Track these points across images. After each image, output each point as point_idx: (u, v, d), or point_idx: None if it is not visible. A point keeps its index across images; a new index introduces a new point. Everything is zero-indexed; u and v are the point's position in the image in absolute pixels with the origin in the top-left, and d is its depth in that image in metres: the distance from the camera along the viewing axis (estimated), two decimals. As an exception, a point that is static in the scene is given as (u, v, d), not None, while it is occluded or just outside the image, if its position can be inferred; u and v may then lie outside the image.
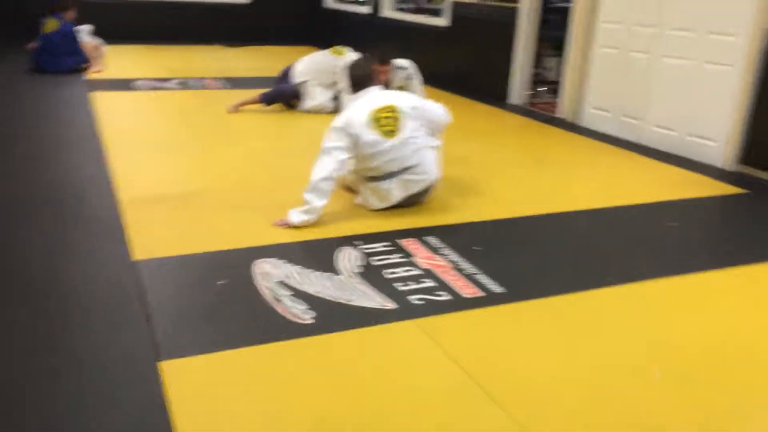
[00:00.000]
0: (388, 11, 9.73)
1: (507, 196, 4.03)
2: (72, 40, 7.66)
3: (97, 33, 8.55)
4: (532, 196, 4.05)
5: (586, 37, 5.95)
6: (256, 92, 6.37)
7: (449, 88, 7.57)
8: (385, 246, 3.20)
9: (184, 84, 7.40)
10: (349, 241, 3.24)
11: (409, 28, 9.15)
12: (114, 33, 10.47)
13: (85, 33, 8.07)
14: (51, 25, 7.62)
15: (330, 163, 3.44)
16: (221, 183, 4.09)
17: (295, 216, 3.38)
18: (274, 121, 5.87)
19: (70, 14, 7.87)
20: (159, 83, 7.35)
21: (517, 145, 5.41)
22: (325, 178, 3.42)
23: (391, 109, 3.58)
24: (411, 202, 3.71)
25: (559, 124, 6.13)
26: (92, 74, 7.66)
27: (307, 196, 3.40)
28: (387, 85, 4.58)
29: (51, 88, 6.81)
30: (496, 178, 4.37)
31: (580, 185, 4.35)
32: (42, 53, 7.52)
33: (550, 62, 8.18)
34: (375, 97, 3.66)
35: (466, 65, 7.80)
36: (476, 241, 3.32)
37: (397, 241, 3.26)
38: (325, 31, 11.66)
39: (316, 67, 6.15)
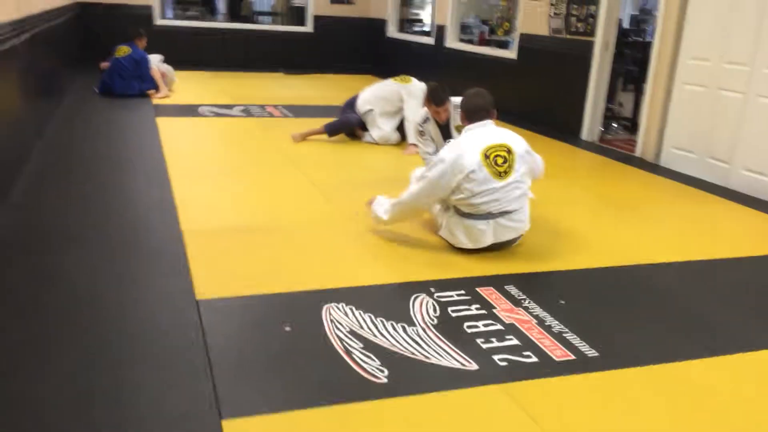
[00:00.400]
0: (452, 42, 9.58)
1: (590, 243, 3.74)
2: (142, 65, 7.74)
3: (166, 59, 8.63)
4: (618, 244, 3.75)
5: (669, 73, 5.63)
6: (321, 121, 6.26)
7: (517, 122, 7.28)
8: (463, 295, 2.96)
9: (248, 111, 7.36)
10: (424, 287, 3.01)
11: (475, 60, 8.96)
12: (181, 59, 10.61)
13: (155, 60, 8.17)
14: (123, 51, 7.73)
15: (426, 197, 3.46)
16: (287, 217, 3.93)
17: (378, 209, 3.60)
18: (339, 152, 5.73)
19: (141, 42, 7.99)
20: (223, 110, 7.32)
21: (595, 185, 5.10)
22: (413, 208, 3.55)
23: (506, 149, 3.37)
24: (492, 248, 3.47)
25: (637, 164, 5.80)
26: (158, 99, 7.71)
27: (394, 207, 3.54)
28: (447, 126, 4.37)
29: (119, 111, 6.85)
30: (577, 222, 4.08)
31: (669, 233, 4.01)
32: (112, 76, 7.63)
33: (624, 97, 7.86)
34: (490, 133, 3.44)
35: (536, 99, 7.55)
36: (561, 293, 3.04)
37: (476, 289, 3.01)
38: (388, 61, 11.59)
39: (381, 95, 6.01)
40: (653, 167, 5.71)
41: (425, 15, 12.42)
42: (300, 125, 6.47)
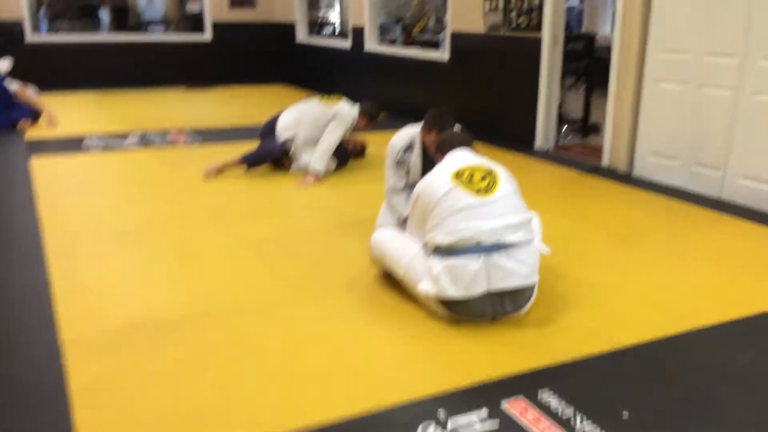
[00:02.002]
0: (371, 45, 8.69)
1: (615, 302, 2.90)
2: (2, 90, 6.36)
3: (42, 81, 7.25)
4: (650, 300, 2.91)
5: (637, 70, 4.94)
6: (236, 148, 5.23)
7: (460, 132, 6.50)
8: (487, 417, 2.04)
9: (145, 140, 6.18)
10: (430, 409, 2.07)
11: (401, 64, 8.11)
12: (61, 80, 9.26)
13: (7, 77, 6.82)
14: None
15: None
16: (213, 300, 2.88)
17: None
18: (265, 190, 4.68)
19: None
20: (114, 141, 6.11)
21: (577, 209, 4.30)
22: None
23: (486, 170, 2.74)
24: (496, 312, 2.60)
25: (609, 175, 5.07)
26: (38, 128, 6.43)
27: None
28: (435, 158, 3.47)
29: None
30: (583, 266, 3.25)
31: (706, 273, 3.21)
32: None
33: (571, 98, 7.22)
34: (466, 157, 2.84)
35: (476, 105, 6.75)
36: (616, 397, 2.18)
37: (503, 405, 2.11)
38: (299, 69, 10.58)
39: (306, 119, 5.00)
40: (628, 179, 4.99)
41: (335, 17, 11.49)
42: (210, 154, 5.40)
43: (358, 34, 8.82)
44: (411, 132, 3.43)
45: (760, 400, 2.18)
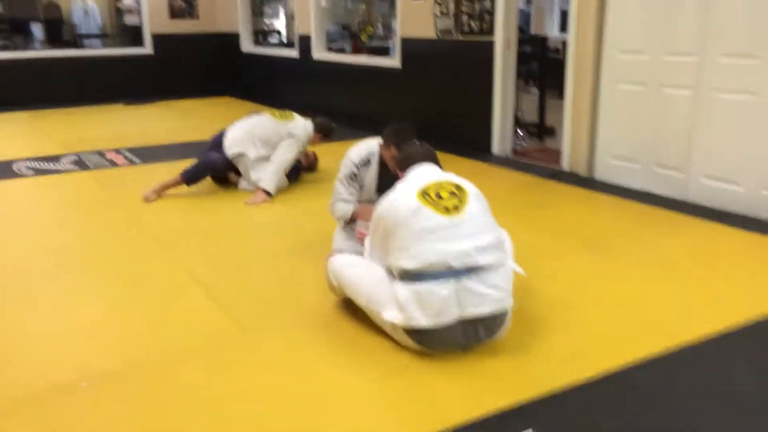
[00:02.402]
0: (320, 53, 8.44)
1: (594, 321, 2.69)
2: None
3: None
4: (630, 316, 2.72)
5: (594, 72, 4.81)
6: (179, 166, 4.89)
7: (414, 140, 6.28)
8: (467, 471, 1.81)
9: (81, 162, 5.78)
10: (402, 467, 1.84)
11: (351, 72, 7.88)
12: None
13: None
14: None
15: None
16: (153, 346, 2.56)
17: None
18: (211, 211, 4.36)
19: None
20: (48, 164, 5.71)
21: (543, 219, 4.09)
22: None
23: (454, 185, 2.52)
24: (469, 340, 2.37)
25: (570, 180, 4.92)
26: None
27: None
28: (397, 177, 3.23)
29: None
30: (556, 284, 3.03)
31: (683, 282, 3.04)
32: None
33: (525, 101, 7.09)
34: (431, 172, 2.61)
35: (431, 112, 6.56)
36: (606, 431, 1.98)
37: (484, 453, 1.88)
38: (246, 80, 10.26)
39: (257, 134, 4.70)
40: (590, 182, 4.86)
41: (281, 25, 11.20)
42: (153, 174, 5.06)
43: (305, 42, 8.57)
44: (370, 146, 3.19)
45: (759, 424, 2.01)
